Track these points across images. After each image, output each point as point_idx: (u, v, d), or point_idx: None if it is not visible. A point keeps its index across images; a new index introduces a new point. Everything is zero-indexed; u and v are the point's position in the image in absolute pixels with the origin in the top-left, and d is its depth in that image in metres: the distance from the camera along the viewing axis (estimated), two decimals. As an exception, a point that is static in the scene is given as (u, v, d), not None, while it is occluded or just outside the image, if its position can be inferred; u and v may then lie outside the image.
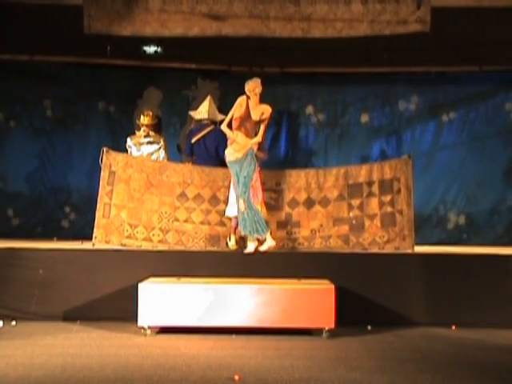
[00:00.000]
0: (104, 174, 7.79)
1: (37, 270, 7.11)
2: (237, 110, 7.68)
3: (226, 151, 7.72)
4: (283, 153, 10.96)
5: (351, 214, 7.91)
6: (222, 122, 8.08)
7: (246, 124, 7.69)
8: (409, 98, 10.90)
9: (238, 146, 7.62)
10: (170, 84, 10.87)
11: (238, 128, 7.67)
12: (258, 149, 7.81)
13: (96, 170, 8.10)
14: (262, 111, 7.71)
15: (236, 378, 4.59)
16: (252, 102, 7.68)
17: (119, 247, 7.64)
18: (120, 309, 6.85)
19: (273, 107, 7.91)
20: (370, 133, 10.87)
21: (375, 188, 7.93)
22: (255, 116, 7.69)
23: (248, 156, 7.58)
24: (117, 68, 10.61)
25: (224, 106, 10.91)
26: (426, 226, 10.37)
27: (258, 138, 7.67)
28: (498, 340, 6.28)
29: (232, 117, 7.69)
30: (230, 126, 7.69)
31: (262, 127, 7.73)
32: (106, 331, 6.42)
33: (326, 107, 10.90)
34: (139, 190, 7.89)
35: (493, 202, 10.59)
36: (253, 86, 7.66)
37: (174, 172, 8.06)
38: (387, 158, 9.62)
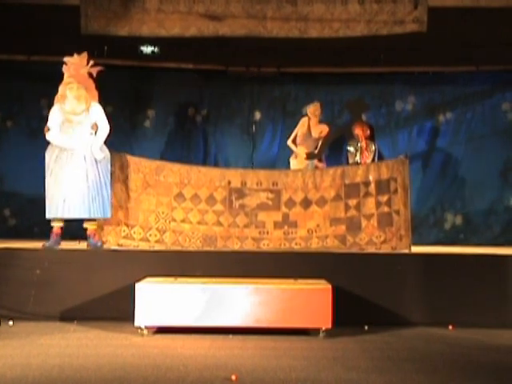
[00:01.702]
0: (101, 174, 7.78)
1: (34, 270, 7.11)
2: (300, 129, 9.62)
3: (291, 163, 9.58)
4: (280, 153, 10.94)
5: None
6: None
7: (308, 140, 9.54)
8: (406, 98, 10.91)
9: (301, 159, 9.49)
10: (167, 84, 10.86)
11: (301, 144, 9.54)
12: (319, 160, 9.67)
13: (93, 170, 8.08)
14: (320, 130, 9.63)
15: (233, 377, 4.58)
16: (312, 122, 9.60)
17: (116, 247, 7.64)
18: (117, 309, 6.85)
19: (330, 127, 9.79)
20: (366, 133, 10.87)
21: (372, 188, 7.93)
22: (315, 134, 9.58)
23: (308, 167, 9.32)
24: (114, 68, 10.60)
25: (222, 106, 10.95)
26: (422, 226, 10.37)
27: (318, 155, 9.62)
28: (495, 340, 6.29)
29: (296, 135, 9.61)
30: (294, 142, 9.62)
31: (321, 143, 9.62)
32: (103, 331, 6.41)
33: (323, 107, 10.88)
34: (136, 190, 7.88)
35: (489, 202, 10.60)
36: (313, 110, 9.60)
37: (170, 172, 8.05)
38: (384, 158, 9.61)
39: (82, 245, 8.00)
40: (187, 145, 10.93)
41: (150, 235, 7.82)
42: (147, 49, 9.78)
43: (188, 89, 10.94)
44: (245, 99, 10.97)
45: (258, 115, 11.10)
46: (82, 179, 7.41)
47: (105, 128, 7.58)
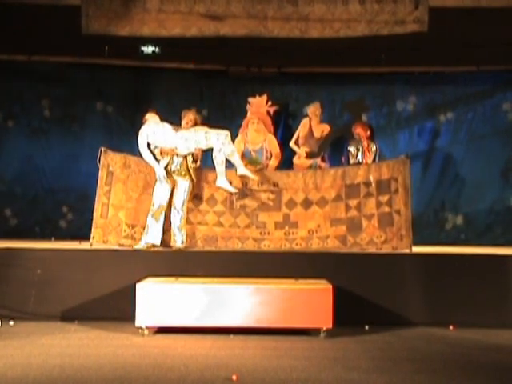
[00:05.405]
0: (102, 174, 7.79)
1: (34, 270, 7.11)
2: (301, 129, 9.79)
3: (294, 164, 9.69)
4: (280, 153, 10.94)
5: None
6: None
7: (310, 141, 9.68)
8: (406, 99, 10.89)
9: (304, 160, 9.62)
10: (168, 84, 10.85)
11: (304, 144, 9.69)
12: (322, 160, 9.70)
13: (94, 170, 8.09)
14: (322, 129, 9.77)
15: (234, 377, 4.59)
16: (313, 122, 9.76)
17: (117, 247, 7.64)
18: (118, 309, 6.85)
19: (331, 126, 9.88)
20: (367, 133, 10.87)
21: (373, 188, 7.92)
22: (317, 134, 9.72)
23: (312, 167, 9.43)
24: (115, 68, 10.60)
25: (223, 106, 10.92)
26: (423, 226, 10.36)
27: (319, 153, 9.69)
28: (495, 340, 6.29)
29: (298, 136, 9.79)
30: (296, 143, 9.76)
31: (322, 142, 9.71)
32: (103, 331, 6.42)
33: (324, 107, 10.87)
34: (137, 190, 7.89)
35: (490, 202, 10.59)
36: (313, 109, 9.76)
37: (171, 172, 8.05)
38: (385, 159, 9.61)
39: (82, 245, 8.00)
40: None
41: (151, 235, 7.81)
42: (148, 49, 9.77)
43: (188, 89, 10.93)
44: (246, 99, 10.97)
45: (259, 115, 11.10)
46: None
47: (277, 155, 9.42)
